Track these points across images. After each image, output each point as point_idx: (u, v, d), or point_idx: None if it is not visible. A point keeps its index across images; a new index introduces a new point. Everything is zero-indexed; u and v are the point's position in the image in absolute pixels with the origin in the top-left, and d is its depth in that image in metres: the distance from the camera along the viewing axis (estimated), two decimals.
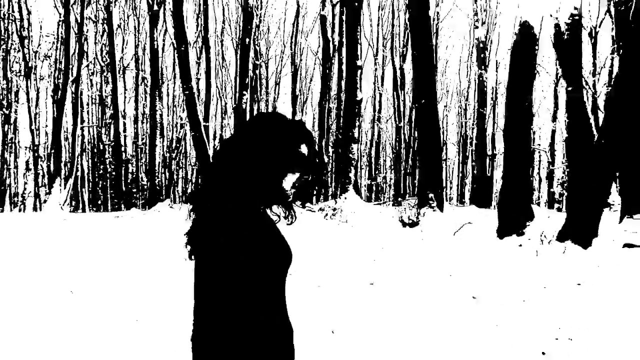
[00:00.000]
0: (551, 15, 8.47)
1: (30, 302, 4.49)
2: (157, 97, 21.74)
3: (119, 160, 22.06)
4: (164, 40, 26.63)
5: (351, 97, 12.87)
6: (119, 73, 28.10)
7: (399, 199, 16.10)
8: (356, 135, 12.89)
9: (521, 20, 8.06)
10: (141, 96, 29.30)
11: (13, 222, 10.04)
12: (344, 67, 17.34)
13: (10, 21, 23.30)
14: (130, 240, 7.83)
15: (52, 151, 15.34)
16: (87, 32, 25.62)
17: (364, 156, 36.89)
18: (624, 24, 7.12)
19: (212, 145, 34.38)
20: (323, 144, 23.40)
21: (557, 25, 9.94)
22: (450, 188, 40.62)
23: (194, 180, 32.38)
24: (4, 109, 25.26)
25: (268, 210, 1.24)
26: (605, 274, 5.76)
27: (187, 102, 13.86)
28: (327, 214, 10.78)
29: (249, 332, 1.09)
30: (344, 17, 15.81)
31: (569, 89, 9.56)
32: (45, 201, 14.95)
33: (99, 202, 29.01)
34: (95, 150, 29.79)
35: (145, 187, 23.64)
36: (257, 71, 28.46)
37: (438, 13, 26.31)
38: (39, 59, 28.52)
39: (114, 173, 24.05)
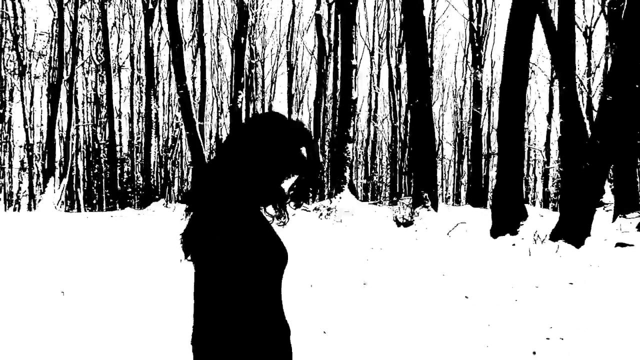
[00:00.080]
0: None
1: (19, 303, 4.46)
2: (152, 96, 21.67)
3: (113, 159, 21.98)
4: (159, 39, 26.58)
5: (346, 96, 12.87)
6: (114, 72, 28.01)
7: (395, 199, 16.12)
8: (351, 134, 12.89)
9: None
10: (137, 95, 29.19)
11: (5, 221, 9.98)
12: (339, 66, 17.34)
13: (3, 19, 23.16)
14: (123, 241, 7.80)
15: (46, 150, 15.26)
16: (81, 30, 25.51)
17: (360, 155, 36.92)
18: (617, 24, 7.14)
19: (208, 145, 34.39)
20: (319, 143, 23.41)
21: (551, 25, 9.98)
22: (447, 187, 40.71)
23: (189, 180, 32.31)
24: None
25: (262, 211, 1.23)
26: (598, 273, 5.78)
27: (182, 102, 13.82)
28: (321, 214, 10.78)
29: (246, 333, 1.08)
30: (339, 17, 15.80)
31: (563, 88, 9.61)
32: (39, 200, 14.88)
33: (94, 201, 28.91)
34: (91, 150, 29.68)
35: (141, 186, 23.56)
36: (253, 70, 28.42)
37: (434, 13, 26.36)
38: (34, 57, 28.39)
39: (109, 172, 23.96)
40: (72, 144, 27.69)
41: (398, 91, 26.50)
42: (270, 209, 1.24)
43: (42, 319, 4.06)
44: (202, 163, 13.85)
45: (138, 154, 26.10)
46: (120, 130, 31.55)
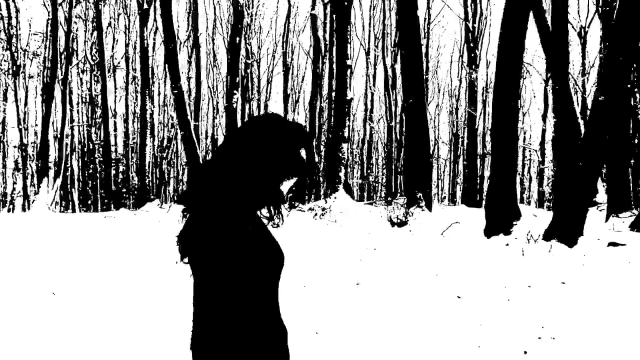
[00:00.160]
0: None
1: (9, 304, 4.43)
2: (147, 96, 21.62)
3: (108, 160, 21.90)
4: (154, 39, 26.49)
5: (341, 96, 12.87)
6: (109, 72, 27.90)
7: (390, 199, 16.14)
8: (346, 134, 12.89)
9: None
10: (132, 95, 29.11)
11: None
12: (334, 66, 17.33)
13: None
14: (115, 242, 7.77)
15: (40, 151, 15.18)
16: (76, 30, 25.42)
17: (356, 155, 36.94)
18: (609, 24, 7.17)
19: (203, 145, 34.31)
20: (314, 143, 23.40)
21: (545, 26, 10.01)
22: (442, 187, 40.80)
23: (185, 180, 32.24)
24: None
25: (258, 213, 1.22)
26: (590, 273, 5.80)
27: (177, 102, 13.79)
28: (316, 214, 10.77)
29: (244, 336, 1.08)
30: (334, 17, 15.81)
31: (556, 87, 9.65)
32: (33, 201, 14.80)
33: (89, 202, 28.81)
34: (85, 150, 29.57)
35: (136, 186, 23.50)
36: (249, 70, 28.39)
37: (429, 13, 26.40)
38: (28, 57, 28.26)
39: (103, 173, 23.88)
40: (67, 144, 27.60)
41: (394, 91, 26.53)
42: (265, 211, 1.23)
43: (31, 319, 4.03)
44: (197, 163, 13.82)
45: (133, 154, 26.02)
46: (115, 130, 31.43)
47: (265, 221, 1.23)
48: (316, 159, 23.72)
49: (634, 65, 9.94)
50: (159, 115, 30.64)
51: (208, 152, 34.96)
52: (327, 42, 21.60)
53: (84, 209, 27.91)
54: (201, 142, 33.32)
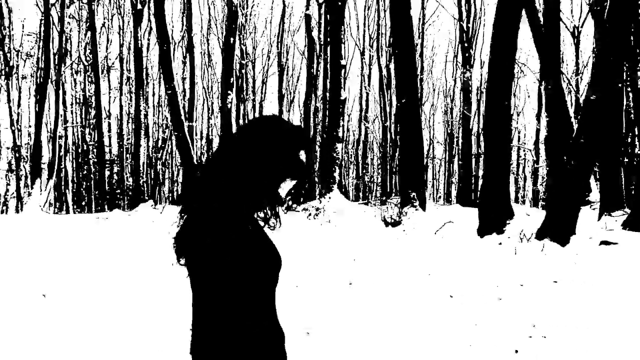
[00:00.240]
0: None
1: None
2: (141, 97, 21.53)
3: (101, 160, 21.80)
4: (149, 40, 26.39)
5: (335, 96, 12.86)
6: (103, 72, 27.77)
7: (384, 198, 16.15)
8: (340, 134, 12.89)
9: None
10: (126, 96, 29.01)
11: None
12: (329, 66, 17.33)
13: None
14: (107, 243, 7.73)
15: (34, 152, 15.09)
16: (70, 31, 25.27)
17: (351, 155, 36.96)
18: (601, 24, 7.20)
19: (199, 145, 34.21)
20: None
21: (538, 25, 10.04)
22: (438, 187, 40.89)
23: (179, 181, 32.13)
24: None
25: (255, 215, 1.21)
26: (582, 272, 5.82)
27: (170, 102, 13.74)
28: (310, 214, 10.75)
29: (240, 339, 1.06)
30: (328, 17, 15.80)
31: (548, 87, 9.68)
32: (26, 203, 14.69)
33: (83, 203, 28.67)
34: (80, 151, 29.42)
35: (131, 187, 23.40)
36: (243, 71, 28.34)
37: (424, 13, 26.45)
38: (21, 58, 28.09)
39: (97, 174, 23.77)
40: (61, 145, 27.44)
41: (388, 91, 26.55)
42: (262, 213, 1.22)
43: (20, 322, 4.00)
44: (191, 164, 13.78)
45: (128, 155, 25.92)
46: (109, 131, 31.31)
47: (261, 223, 1.22)
48: (313, 161, 23.74)
49: (626, 65, 10.00)
50: (153, 116, 30.55)
51: (203, 152, 34.89)
52: (322, 43, 21.59)
53: (78, 210, 27.77)
54: (196, 143, 33.28)
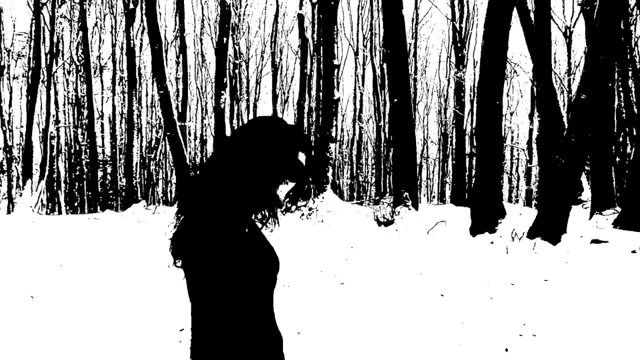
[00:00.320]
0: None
1: None
2: (134, 97, 21.42)
3: (94, 161, 21.67)
4: (141, 40, 26.26)
5: (328, 96, 12.86)
6: (96, 72, 27.61)
7: (378, 198, 16.17)
8: (334, 134, 12.88)
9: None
10: (119, 96, 28.85)
11: None
12: (322, 66, 17.33)
13: None
14: (96, 244, 7.67)
15: (25, 152, 14.97)
16: (62, 30, 25.10)
17: (346, 155, 36.98)
18: (591, 24, 7.23)
19: (193, 145, 34.08)
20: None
21: (529, 25, 10.08)
22: (432, 187, 41.01)
23: (173, 181, 32.01)
24: None
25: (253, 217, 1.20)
26: (572, 270, 5.84)
27: (162, 102, 13.68)
28: (303, 214, 10.74)
29: (238, 344, 1.05)
30: (321, 16, 15.79)
31: (540, 86, 9.72)
32: (17, 203, 14.57)
33: (76, 204, 28.49)
34: (72, 151, 29.23)
35: (124, 188, 23.27)
36: (237, 70, 28.28)
37: (417, 13, 26.51)
38: (12, 57, 27.89)
39: (90, 174, 23.63)
40: (53, 145, 27.25)
41: (382, 91, 26.58)
42: (259, 215, 1.21)
43: (5, 323, 3.95)
44: (184, 164, 13.72)
45: (121, 156, 25.77)
46: (102, 131, 31.15)
47: (259, 225, 1.21)
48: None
49: (617, 64, 10.06)
50: (147, 116, 30.41)
51: (197, 152, 34.79)
52: (315, 42, 21.57)
53: (71, 210, 27.60)
54: (190, 143, 33.17)
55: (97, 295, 4.82)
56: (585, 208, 10.87)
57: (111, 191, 25.18)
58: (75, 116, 29.07)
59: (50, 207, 28.74)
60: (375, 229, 9.44)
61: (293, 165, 1.14)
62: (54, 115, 27.72)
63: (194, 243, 1.04)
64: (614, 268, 5.83)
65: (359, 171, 34.45)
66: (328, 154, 12.54)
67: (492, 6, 8.08)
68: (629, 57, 12.65)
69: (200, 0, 28.01)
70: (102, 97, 30.79)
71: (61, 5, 21.63)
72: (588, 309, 4.48)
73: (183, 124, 19.34)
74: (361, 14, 28.71)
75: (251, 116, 31.85)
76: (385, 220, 9.48)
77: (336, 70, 13.13)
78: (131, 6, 20.12)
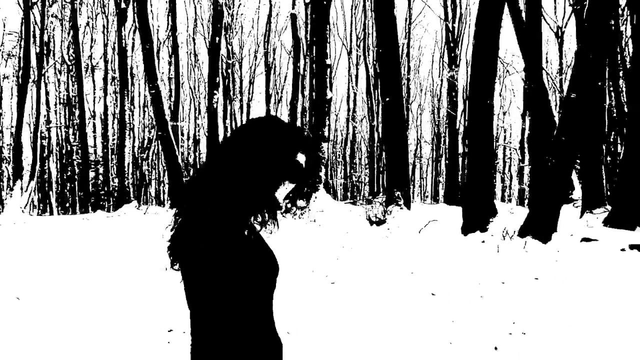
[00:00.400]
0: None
1: None
2: (126, 97, 21.28)
3: (85, 161, 21.52)
4: (133, 39, 26.11)
5: (321, 95, 12.83)
6: (87, 72, 27.42)
7: (370, 198, 16.18)
8: (326, 134, 12.86)
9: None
10: (111, 96, 28.67)
11: None
12: (315, 65, 17.31)
13: None
14: (85, 245, 7.60)
15: (15, 153, 14.83)
16: (53, 30, 24.90)
17: (339, 155, 36.98)
18: (581, 23, 7.26)
19: (186, 145, 33.92)
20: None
21: (521, 25, 10.12)
22: (425, 186, 41.11)
23: (166, 181, 31.86)
24: None
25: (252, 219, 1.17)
26: (563, 268, 5.86)
27: (154, 102, 13.60)
28: (295, 213, 10.71)
29: (237, 349, 1.03)
30: (313, 16, 15.77)
31: (531, 86, 9.75)
32: (7, 204, 14.42)
33: (67, 204, 28.28)
34: (64, 152, 29.02)
35: (116, 188, 23.13)
36: (230, 70, 28.19)
37: (410, 13, 26.55)
38: (3, 57, 27.66)
39: (81, 175, 23.46)
40: (45, 146, 27.02)
41: (376, 91, 26.59)
42: (259, 217, 1.18)
43: None
44: (176, 164, 13.64)
45: (113, 156, 25.61)
46: (94, 132, 30.94)
47: (257, 227, 1.18)
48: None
49: (608, 64, 10.12)
50: (139, 116, 30.24)
51: (190, 152, 34.65)
52: (308, 42, 21.55)
53: (62, 211, 27.40)
54: (183, 143, 33.03)
55: (83, 296, 4.77)
56: (577, 207, 10.93)
57: (103, 192, 25.02)
58: (67, 116, 28.86)
59: (41, 208, 28.51)
60: (367, 228, 9.43)
61: (293, 167, 1.12)
62: (45, 116, 27.50)
63: (192, 244, 1.02)
64: (604, 266, 5.86)
65: (352, 171, 34.47)
66: (320, 154, 12.52)
67: (482, 6, 8.10)
68: (619, 57, 12.74)
69: (193, 0, 27.87)
70: (94, 97, 30.59)
71: (52, 4, 21.44)
72: (578, 306, 4.49)
73: (175, 123, 19.25)
74: (354, 13, 28.74)
75: (244, 116, 31.76)
76: (377, 219, 9.47)
77: (329, 70, 13.11)
78: (123, 5, 19.99)
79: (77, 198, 26.66)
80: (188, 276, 1.03)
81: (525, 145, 28.22)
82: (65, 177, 28.92)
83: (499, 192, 35.66)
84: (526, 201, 26.94)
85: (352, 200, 18.76)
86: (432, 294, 5.04)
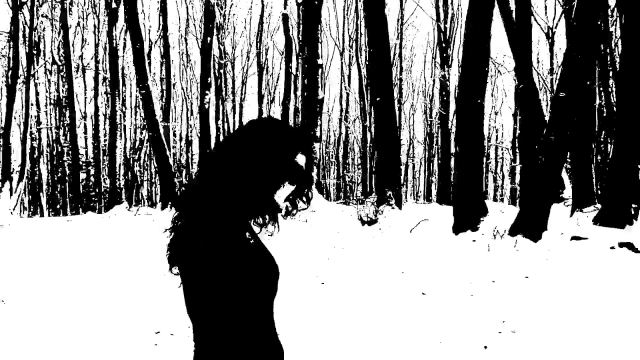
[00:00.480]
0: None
1: None
2: (117, 98, 21.14)
3: (76, 162, 21.34)
4: (124, 39, 25.94)
5: (312, 95, 12.81)
6: (78, 72, 27.20)
7: (363, 198, 16.18)
8: (318, 134, 12.84)
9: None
10: (102, 97, 28.45)
11: None
12: (306, 65, 17.28)
13: None
14: (73, 246, 7.52)
15: (3, 154, 14.65)
16: (43, 30, 24.68)
17: (332, 156, 36.98)
18: (570, 23, 7.29)
19: (178, 146, 33.74)
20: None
21: (511, 25, 10.15)
22: (418, 186, 41.23)
23: (157, 183, 31.66)
24: None
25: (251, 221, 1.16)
26: (553, 267, 5.88)
27: (144, 102, 13.51)
28: (286, 213, 10.67)
29: (237, 354, 1.01)
30: (305, 16, 15.74)
31: (521, 85, 9.80)
32: None
33: (58, 206, 28.02)
34: (54, 153, 28.75)
35: (107, 189, 22.96)
36: (222, 71, 28.09)
37: (402, 14, 26.61)
38: None
39: (72, 176, 23.26)
40: (35, 147, 26.77)
41: (368, 91, 26.60)
42: (259, 219, 1.17)
43: None
44: (167, 164, 13.56)
45: (104, 157, 25.42)
46: (85, 132, 30.70)
47: (257, 229, 1.17)
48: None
49: (598, 64, 10.18)
50: (131, 117, 30.05)
51: (182, 153, 34.48)
52: (300, 42, 21.53)
53: (53, 213, 27.15)
54: (176, 144, 32.86)
55: (69, 299, 4.71)
56: (567, 205, 10.99)
57: (94, 193, 24.83)
58: (58, 117, 28.61)
59: (32, 209, 28.23)
60: (358, 228, 9.42)
61: (292, 168, 1.11)
62: (35, 117, 27.24)
63: (192, 244, 1.00)
64: (594, 264, 5.88)
65: (345, 171, 34.49)
66: (312, 154, 12.51)
67: (472, 6, 8.11)
68: (609, 57, 12.83)
69: (185, 0, 27.74)
70: (85, 98, 30.35)
71: (42, 4, 21.25)
72: (568, 305, 4.50)
73: (166, 124, 19.14)
74: (347, 14, 28.75)
75: (237, 117, 31.67)
76: (368, 219, 9.46)
77: (320, 70, 13.10)
78: (114, 5, 19.86)
79: (68, 199, 26.43)
80: (188, 277, 1.02)
81: (517, 145, 28.37)
82: (56, 179, 28.65)
83: (491, 191, 35.84)
84: (517, 201, 27.09)
85: (344, 201, 18.75)
86: (423, 293, 5.03)
